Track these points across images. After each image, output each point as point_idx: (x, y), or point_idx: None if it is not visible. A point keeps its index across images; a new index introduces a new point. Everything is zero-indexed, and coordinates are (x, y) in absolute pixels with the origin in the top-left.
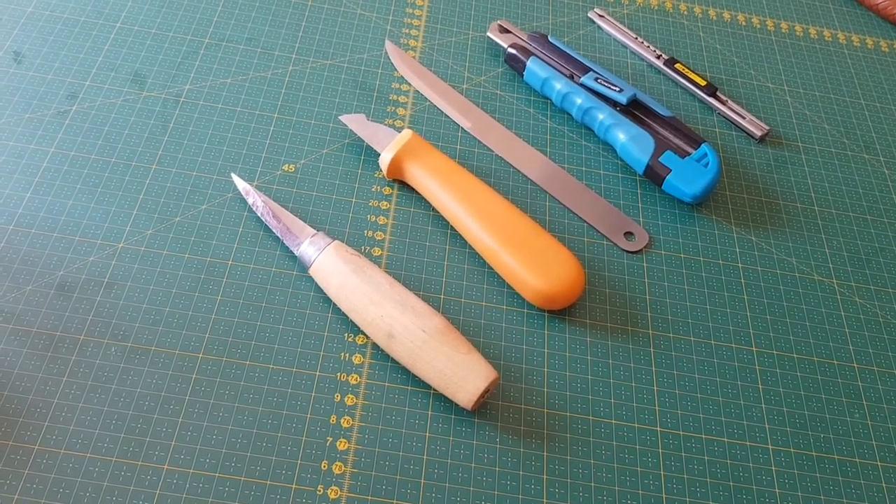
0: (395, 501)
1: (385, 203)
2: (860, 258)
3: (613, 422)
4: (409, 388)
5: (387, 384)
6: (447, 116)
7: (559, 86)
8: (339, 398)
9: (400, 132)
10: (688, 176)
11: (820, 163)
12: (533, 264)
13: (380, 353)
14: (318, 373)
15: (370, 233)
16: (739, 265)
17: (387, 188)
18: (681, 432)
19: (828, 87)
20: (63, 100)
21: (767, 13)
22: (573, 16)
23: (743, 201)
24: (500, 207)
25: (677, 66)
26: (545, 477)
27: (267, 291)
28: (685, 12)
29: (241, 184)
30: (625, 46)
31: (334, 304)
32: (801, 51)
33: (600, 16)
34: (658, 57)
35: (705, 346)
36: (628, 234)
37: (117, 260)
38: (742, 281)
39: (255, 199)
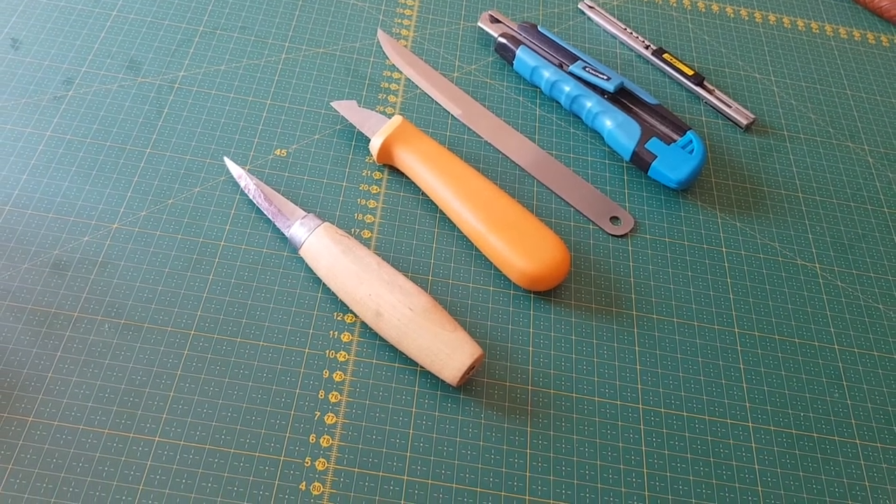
0: (381, 473)
1: (375, 187)
2: (843, 243)
3: (596, 399)
4: (397, 365)
5: (374, 361)
6: (437, 104)
7: (548, 74)
8: (327, 374)
9: (390, 118)
10: (673, 162)
11: (805, 151)
12: (519, 247)
13: (368, 332)
14: (307, 350)
15: (360, 216)
16: (723, 249)
17: (377, 173)
18: (662, 409)
19: (814, 78)
20: (59, 85)
21: (756, 5)
22: (564, 7)
23: (728, 188)
24: (488, 192)
25: (665, 56)
26: (528, 451)
27: (258, 271)
28: (674, 4)
29: (233, 168)
30: (614, 37)
31: (324, 284)
32: (788, 42)
33: (590, 7)
34: (647, 47)
35: (688, 327)
36: (614, 219)
37: (111, 240)
38: (726, 265)
39: (247, 182)
